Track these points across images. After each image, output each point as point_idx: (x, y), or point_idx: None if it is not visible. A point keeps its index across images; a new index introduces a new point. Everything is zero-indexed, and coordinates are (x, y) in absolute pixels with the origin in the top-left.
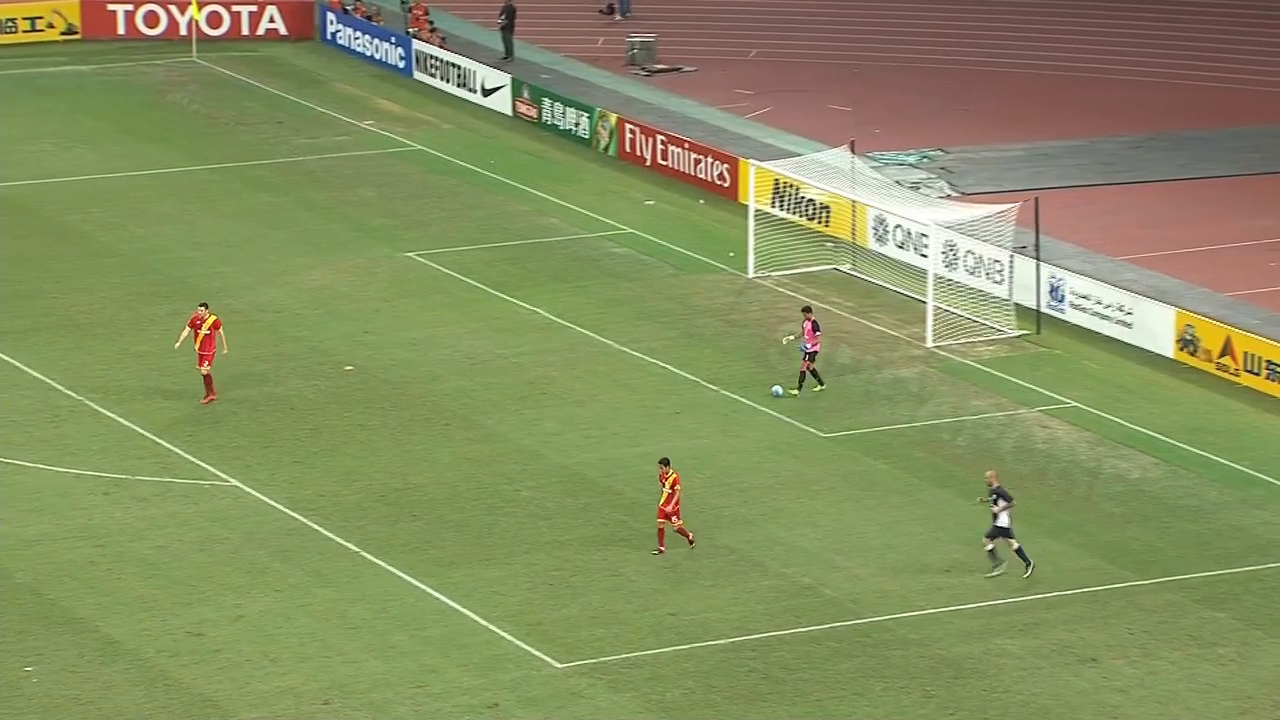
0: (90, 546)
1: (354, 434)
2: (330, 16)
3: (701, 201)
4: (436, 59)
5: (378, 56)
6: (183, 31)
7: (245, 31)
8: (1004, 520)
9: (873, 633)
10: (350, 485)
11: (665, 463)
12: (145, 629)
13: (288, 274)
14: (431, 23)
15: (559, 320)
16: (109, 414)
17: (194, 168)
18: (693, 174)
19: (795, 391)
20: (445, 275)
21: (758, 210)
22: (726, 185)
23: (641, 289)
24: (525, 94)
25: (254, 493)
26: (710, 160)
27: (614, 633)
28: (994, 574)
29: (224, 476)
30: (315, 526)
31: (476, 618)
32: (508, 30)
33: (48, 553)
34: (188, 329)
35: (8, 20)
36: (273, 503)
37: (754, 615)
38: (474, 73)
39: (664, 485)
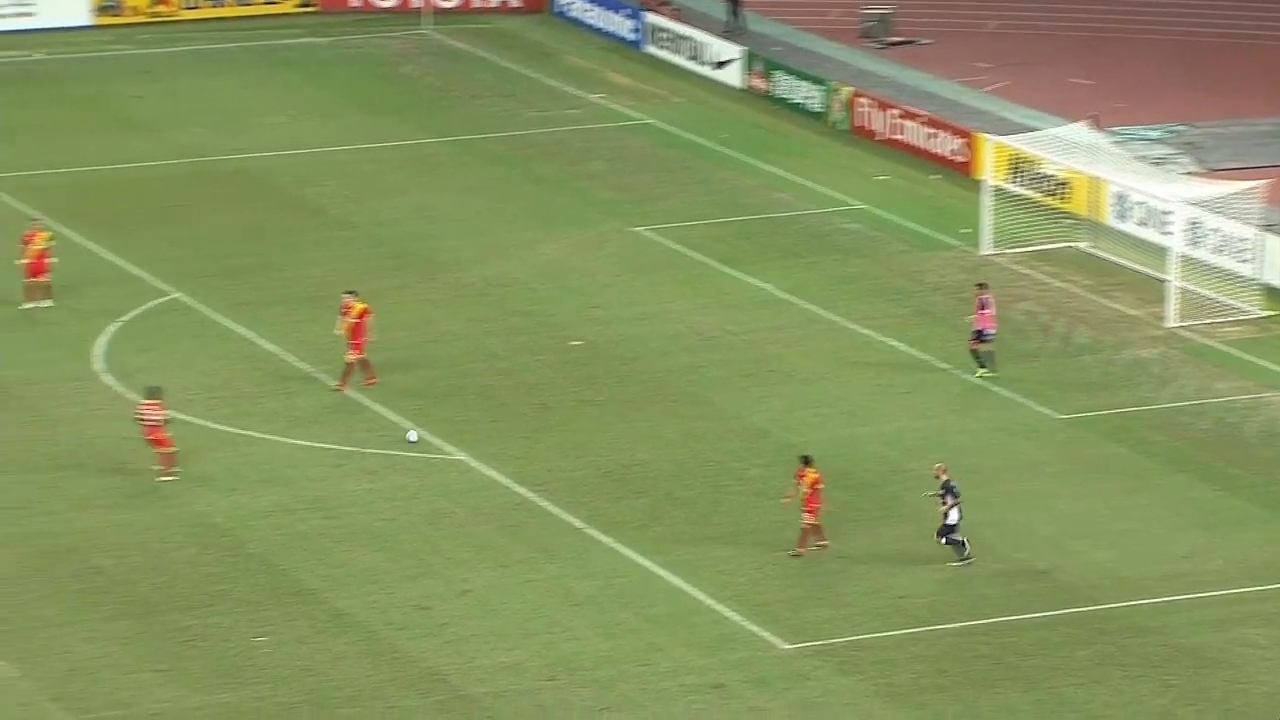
0: (320, 518)
1: (581, 409)
2: None
3: (935, 177)
4: (668, 32)
5: (608, 29)
6: (415, 4)
7: (477, 4)
8: (953, 517)
9: (1109, 620)
10: (577, 461)
11: (806, 461)
12: (373, 601)
13: (517, 248)
14: None
15: (788, 297)
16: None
17: (425, 140)
18: (927, 149)
19: (983, 371)
20: (674, 250)
21: (993, 186)
22: (962, 160)
23: (873, 265)
24: (758, 67)
25: (481, 467)
26: (945, 135)
27: (842, 614)
28: (965, 561)
29: (451, 450)
30: (541, 502)
31: (702, 596)
32: (737, 3)
33: (279, 524)
34: (341, 317)
35: None
36: (499, 477)
37: (985, 599)
38: (706, 46)
39: (801, 484)
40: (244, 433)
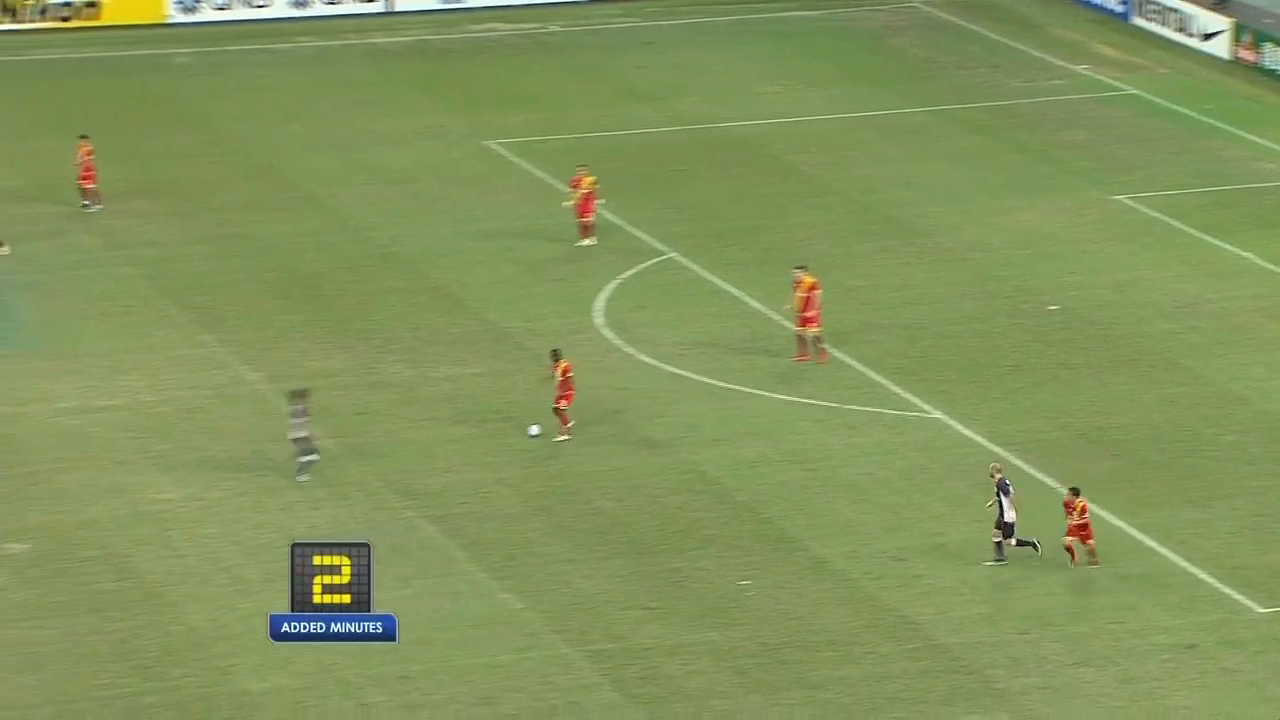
0: (802, 470)
1: (1056, 372)
2: None
3: None
4: (1156, 4)
5: (1096, 2)
6: None
7: None
8: (1011, 515)
9: None
10: (1051, 422)
11: (1075, 492)
12: (852, 551)
13: (996, 215)
14: None
15: (1270, 266)
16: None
17: (910, 110)
18: None
19: None
20: (1154, 218)
21: None
22: None
23: None
24: (1246, 39)
25: (957, 425)
26: None
27: None
28: (999, 562)
29: (928, 408)
30: (1016, 461)
31: (1175, 558)
32: None
33: (764, 474)
34: (792, 291)
35: None
36: (975, 436)
37: None
38: (1193, 18)
39: (1072, 514)
40: (731, 387)
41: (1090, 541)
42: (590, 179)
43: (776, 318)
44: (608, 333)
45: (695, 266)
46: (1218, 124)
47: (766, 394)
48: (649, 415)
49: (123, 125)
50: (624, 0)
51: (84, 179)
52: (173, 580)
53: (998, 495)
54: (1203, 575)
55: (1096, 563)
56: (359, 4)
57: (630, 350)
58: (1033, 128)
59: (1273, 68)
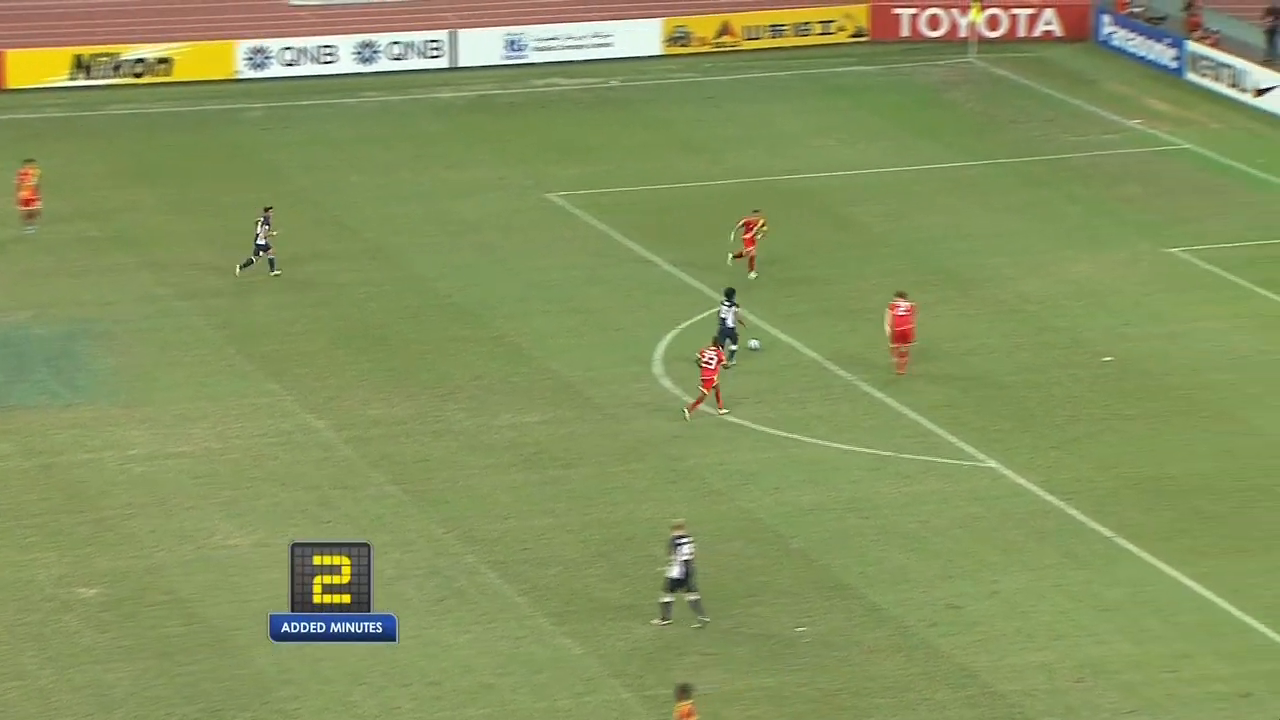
0: (857, 518)
1: (1110, 422)
2: (1105, 19)
3: None
4: (1209, 60)
5: (1150, 57)
6: (962, 33)
7: (1022, 34)
8: (675, 572)
9: None
10: (1105, 472)
11: (683, 693)
12: (907, 598)
13: (1052, 266)
14: (1203, 24)
15: None
16: (878, 395)
17: (967, 163)
18: None
19: None
20: (1207, 271)
21: None
22: None
23: None
24: None
25: (1011, 474)
26: None
27: None
28: (664, 622)
29: (983, 458)
30: (1070, 510)
31: (1230, 608)
32: (1276, 31)
33: (819, 521)
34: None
35: (803, 24)
36: (1029, 485)
37: None
38: (1247, 73)
39: None
40: (788, 435)
41: None
42: (761, 221)
43: (832, 367)
44: (666, 382)
45: (752, 316)
46: (1271, 178)
47: (823, 443)
48: (706, 463)
49: (195, 177)
50: (683, 56)
51: (27, 202)
52: (239, 625)
53: (672, 547)
54: (1258, 625)
55: None
56: (424, 59)
57: (689, 399)
58: (1087, 181)
59: None
